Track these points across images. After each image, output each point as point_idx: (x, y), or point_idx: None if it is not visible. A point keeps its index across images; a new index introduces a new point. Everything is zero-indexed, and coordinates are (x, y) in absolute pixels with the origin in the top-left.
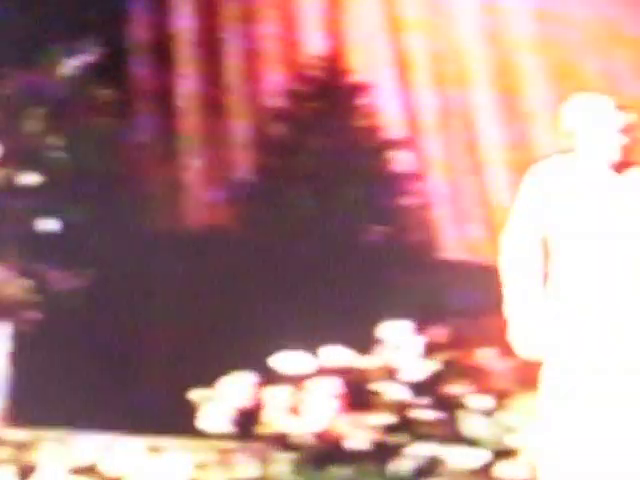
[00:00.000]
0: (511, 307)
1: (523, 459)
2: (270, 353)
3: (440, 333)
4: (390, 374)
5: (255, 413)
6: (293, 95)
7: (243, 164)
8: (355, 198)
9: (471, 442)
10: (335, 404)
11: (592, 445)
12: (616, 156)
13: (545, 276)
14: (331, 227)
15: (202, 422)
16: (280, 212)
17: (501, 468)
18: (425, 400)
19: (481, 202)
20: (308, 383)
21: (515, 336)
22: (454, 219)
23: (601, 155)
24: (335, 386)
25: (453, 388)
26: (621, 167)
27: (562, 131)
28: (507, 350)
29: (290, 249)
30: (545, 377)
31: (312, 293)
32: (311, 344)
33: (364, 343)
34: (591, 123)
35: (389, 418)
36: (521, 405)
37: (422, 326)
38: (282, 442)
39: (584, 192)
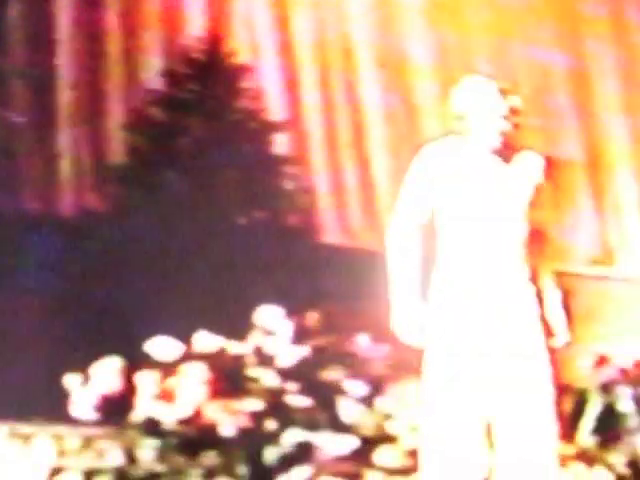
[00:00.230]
0: (395, 292)
1: (401, 445)
2: (142, 338)
3: (315, 318)
4: (262, 360)
5: (124, 399)
6: (172, 76)
7: (119, 147)
8: (234, 181)
9: (347, 429)
10: (205, 390)
11: (476, 429)
12: (500, 140)
13: (432, 260)
14: (208, 210)
15: (69, 408)
16: (155, 195)
17: (379, 455)
18: (298, 386)
19: (363, 187)
20: (178, 369)
21: (398, 322)
22: (335, 203)
23: (488, 138)
24: (205, 372)
25: (327, 374)
26: (506, 151)
27: (452, 114)
28: (382, 336)
29: (164, 233)
30: (428, 362)
31: (187, 277)
32: (184, 329)
33: (239, 328)
34: (479, 106)
35: (260, 404)
36: (398, 391)
37: (297, 311)
38: (150, 428)
39: (470, 175)
